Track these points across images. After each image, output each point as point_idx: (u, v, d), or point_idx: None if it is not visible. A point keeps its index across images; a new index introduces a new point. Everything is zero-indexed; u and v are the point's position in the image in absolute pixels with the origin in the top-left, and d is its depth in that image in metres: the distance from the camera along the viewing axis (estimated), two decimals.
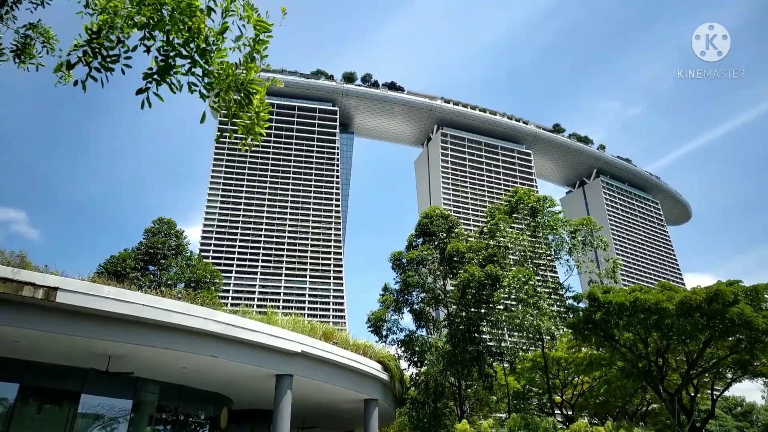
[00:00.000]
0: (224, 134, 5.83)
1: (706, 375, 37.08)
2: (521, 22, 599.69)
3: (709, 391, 40.29)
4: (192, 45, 4.91)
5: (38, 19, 7.47)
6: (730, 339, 30.76)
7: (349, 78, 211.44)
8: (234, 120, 5.64)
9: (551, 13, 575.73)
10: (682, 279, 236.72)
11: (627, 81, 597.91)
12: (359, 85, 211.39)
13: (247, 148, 5.82)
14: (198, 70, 4.98)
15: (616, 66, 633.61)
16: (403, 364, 36.28)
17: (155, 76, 4.82)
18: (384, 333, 37.40)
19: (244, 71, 5.23)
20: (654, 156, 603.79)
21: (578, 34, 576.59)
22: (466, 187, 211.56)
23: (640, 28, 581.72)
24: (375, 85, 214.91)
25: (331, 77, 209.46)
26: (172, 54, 4.85)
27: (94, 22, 5.04)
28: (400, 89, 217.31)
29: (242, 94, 5.35)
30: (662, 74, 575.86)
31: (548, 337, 36.62)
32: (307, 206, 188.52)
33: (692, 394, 36.73)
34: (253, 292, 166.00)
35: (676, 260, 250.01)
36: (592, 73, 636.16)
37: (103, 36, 4.96)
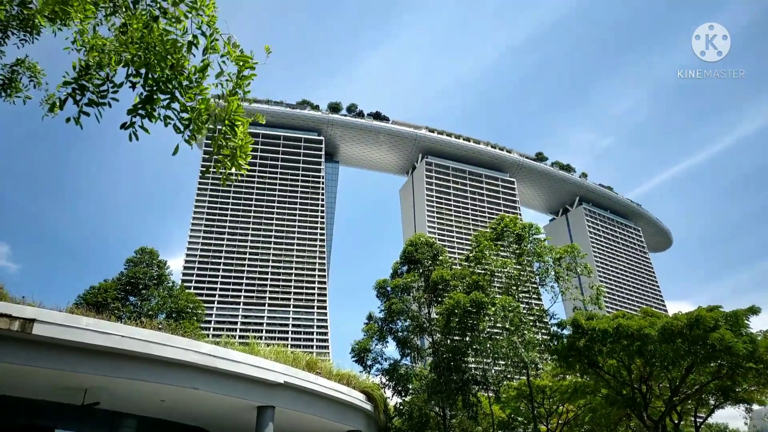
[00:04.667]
0: (210, 169, 5.89)
1: (689, 401, 37.15)
2: (500, 55, 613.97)
3: (693, 418, 40.30)
4: (174, 82, 5.02)
5: (25, 55, 7.58)
6: (712, 365, 30.98)
7: (334, 108, 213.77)
8: (216, 155, 5.63)
9: (529, 46, 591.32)
10: (664, 305, 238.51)
11: (602, 113, 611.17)
12: (344, 115, 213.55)
13: (229, 182, 5.84)
14: (176, 105, 5.08)
15: (591, 98, 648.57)
16: (388, 393, 35.87)
17: (140, 111, 4.93)
18: (368, 363, 37.11)
19: (227, 103, 5.30)
20: (633, 184, 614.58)
21: (555, 66, 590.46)
22: (451, 215, 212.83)
23: (614, 59, 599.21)
24: (360, 114, 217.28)
25: (316, 107, 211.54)
26: (155, 88, 4.97)
27: (81, 59, 5.17)
28: (385, 119, 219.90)
29: (226, 125, 5.39)
30: (637, 105, 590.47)
31: (533, 365, 36.54)
32: (292, 235, 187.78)
33: (676, 422, 36.71)
34: (236, 322, 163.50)
35: (658, 286, 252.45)
36: (568, 105, 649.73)
37: (92, 73, 5.09)
